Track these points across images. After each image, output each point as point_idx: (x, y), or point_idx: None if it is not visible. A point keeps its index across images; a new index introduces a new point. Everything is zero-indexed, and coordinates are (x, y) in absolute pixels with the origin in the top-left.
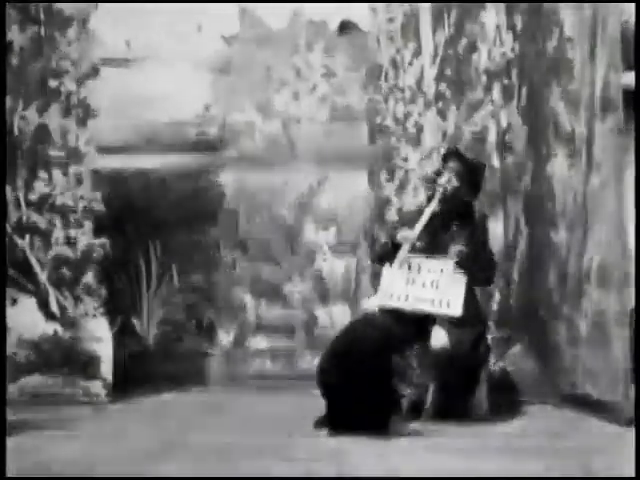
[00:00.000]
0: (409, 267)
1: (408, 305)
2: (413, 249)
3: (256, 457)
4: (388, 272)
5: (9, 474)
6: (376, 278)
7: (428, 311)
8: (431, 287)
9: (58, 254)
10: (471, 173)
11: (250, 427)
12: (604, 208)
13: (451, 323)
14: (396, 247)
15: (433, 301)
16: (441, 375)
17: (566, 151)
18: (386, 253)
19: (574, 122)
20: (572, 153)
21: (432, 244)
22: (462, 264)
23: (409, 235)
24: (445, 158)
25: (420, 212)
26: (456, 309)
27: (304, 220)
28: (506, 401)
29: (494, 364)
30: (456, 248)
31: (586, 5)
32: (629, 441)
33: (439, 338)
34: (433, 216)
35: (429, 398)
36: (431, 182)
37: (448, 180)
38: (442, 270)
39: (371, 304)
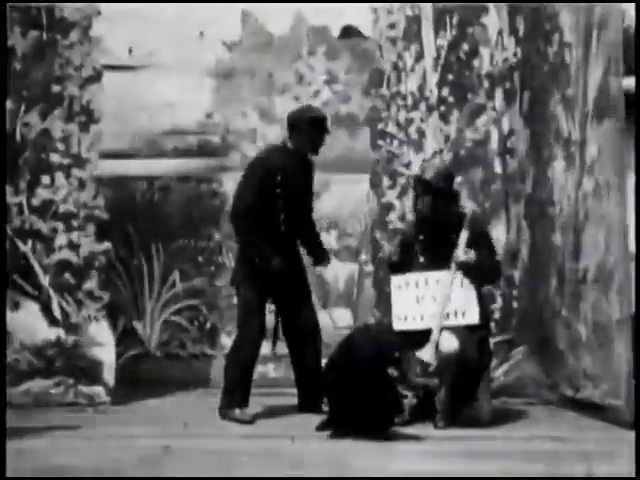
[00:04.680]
0: (417, 284)
1: (425, 325)
2: (417, 266)
3: (258, 460)
4: (396, 294)
5: (9, 475)
6: (378, 283)
7: (447, 325)
8: (442, 300)
9: (60, 259)
10: (436, 189)
11: (252, 430)
12: (603, 211)
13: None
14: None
15: (448, 314)
16: (451, 379)
17: (564, 155)
18: (394, 266)
19: (571, 126)
20: (569, 157)
21: (435, 258)
22: (467, 273)
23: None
24: (414, 187)
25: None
26: (474, 317)
27: None
28: (508, 404)
29: (497, 368)
30: (458, 258)
31: (584, 10)
32: (630, 443)
33: (449, 342)
34: (430, 232)
35: (439, 404)
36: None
37: (422, 204)
38: (452, 281)
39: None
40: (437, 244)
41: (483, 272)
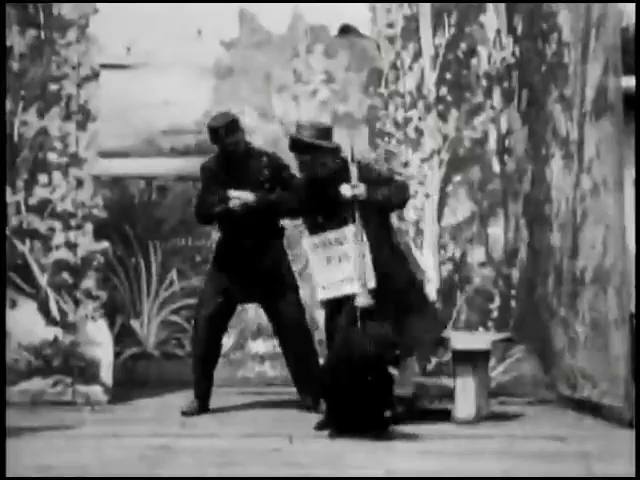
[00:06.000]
0: (324, 244)
1: (331, 293)
2: (318, 227)
3: (257, 459)
4: (313, 258)
5: (9, 475)
6: None
7: (352, 293)
8: (346, 261)
9: (58, 258)
10: (304, 145)
11: (251, 430)
12: (601, 210)
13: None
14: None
15: (352, 279)
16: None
17: (562, 154)
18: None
19: (569, 125)
20: (567, 156)
21: (331, 216)
22: (366, 208)
23: None
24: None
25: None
26: (370, 281)
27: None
28: (506, 403)
29: (495, 367)
30: (345, 196)
31: (583, 9)
32: (629, 442)
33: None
34: (319, 190)
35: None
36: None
37: (303, 164)
38: (346, 237)
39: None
40: (329, 201)
41: (383, 202)
